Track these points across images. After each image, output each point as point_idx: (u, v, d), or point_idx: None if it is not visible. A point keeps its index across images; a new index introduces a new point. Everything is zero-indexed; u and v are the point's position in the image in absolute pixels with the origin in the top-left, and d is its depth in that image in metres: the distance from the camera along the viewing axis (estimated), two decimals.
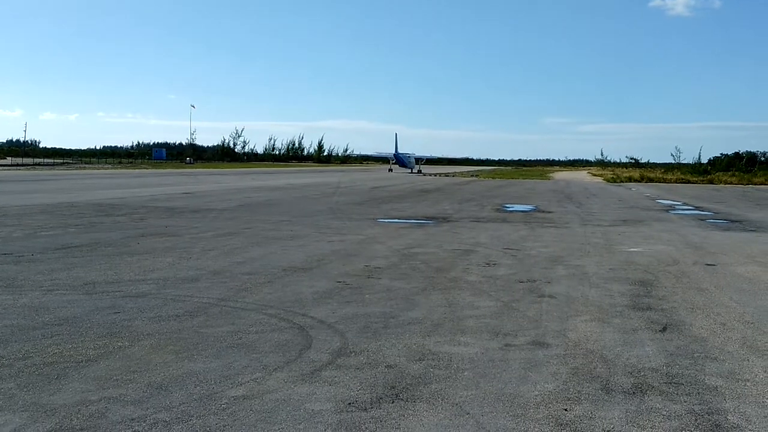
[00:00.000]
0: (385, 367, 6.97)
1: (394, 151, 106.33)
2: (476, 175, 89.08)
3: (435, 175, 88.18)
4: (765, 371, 7.11)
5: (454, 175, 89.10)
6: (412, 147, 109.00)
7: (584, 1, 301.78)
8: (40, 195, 32.14)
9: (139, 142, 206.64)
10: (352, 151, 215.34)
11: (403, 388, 6.36)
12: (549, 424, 5.63)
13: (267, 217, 22.93)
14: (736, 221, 25.84)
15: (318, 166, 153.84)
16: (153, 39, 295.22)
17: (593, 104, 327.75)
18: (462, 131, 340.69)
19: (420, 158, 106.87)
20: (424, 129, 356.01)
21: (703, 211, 31.63)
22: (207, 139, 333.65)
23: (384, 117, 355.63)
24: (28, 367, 6.71)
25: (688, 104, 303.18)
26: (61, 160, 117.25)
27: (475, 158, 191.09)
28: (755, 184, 69.88)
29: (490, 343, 7.95)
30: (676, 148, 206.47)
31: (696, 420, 5.77)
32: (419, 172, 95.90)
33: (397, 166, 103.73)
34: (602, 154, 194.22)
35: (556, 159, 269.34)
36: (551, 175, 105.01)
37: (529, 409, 5.93)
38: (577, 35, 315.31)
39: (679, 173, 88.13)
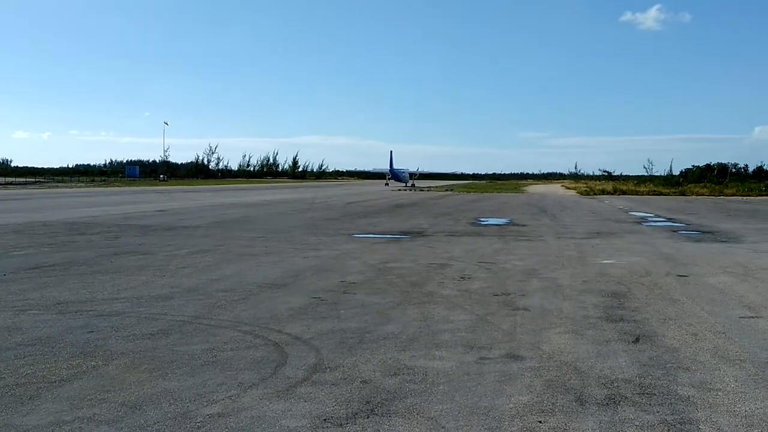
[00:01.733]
0: (361, 382, 6.98)
1: (389, 167, 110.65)
2: (451, 190, 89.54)
3: (415, 188, 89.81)
4: (736, 380, 7.20)
5: (429, 189, 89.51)
6: (386, 162, 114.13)
7: (555, 17, 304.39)
8: (13, 214, 31.84)
9: (112, 160, 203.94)
10: (327, 168, 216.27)
11: (379, 403, 6.37)
12: None
13: (241, 234, 22.88)
14: (708, 232, 26.12)
15: (293, 182, 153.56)
16: (126, 56, 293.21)
17: (566, 118, 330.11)
18: (436, 146, 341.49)
19: (413, 173, 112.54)
20: (399, 144, 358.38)
21: (675, 222, 31.94)
22: (181, 156, 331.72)
23: (360, 132, 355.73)
24: (0, 388, 6.65)
25: (659, 117, 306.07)
26: (34, 179, 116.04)
27: (458, 173, 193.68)
28: (726, 196, 70.65)
29: (465, 356, 7.99)
30: (648, 160, 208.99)
31: (669, 430, 5.83)
32: (413, 186, 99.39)
33: (393, 181, 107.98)
34: (576, 167, 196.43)
35: (530, 172, 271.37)
36: (525, 188, 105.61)
37: (504, 421, 5.96)
38: (548, 50, 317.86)
39: (651, 185, 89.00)
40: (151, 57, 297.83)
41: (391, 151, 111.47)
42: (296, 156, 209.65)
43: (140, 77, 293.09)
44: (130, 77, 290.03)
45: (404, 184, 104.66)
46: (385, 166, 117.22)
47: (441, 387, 6.85)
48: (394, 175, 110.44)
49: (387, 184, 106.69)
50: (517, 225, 28.99)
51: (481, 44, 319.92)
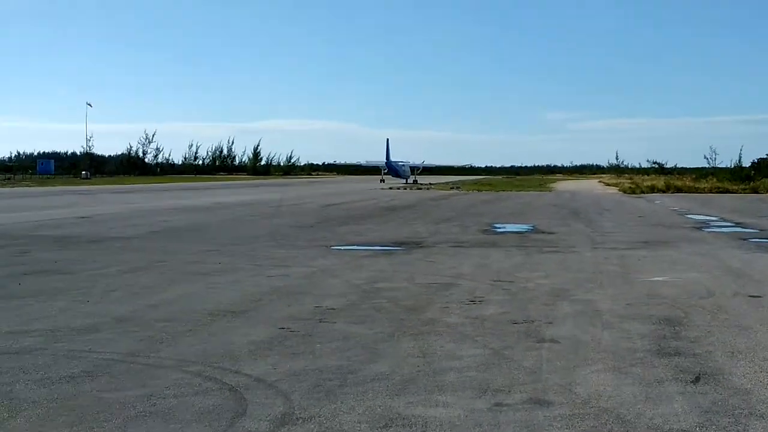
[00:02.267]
0: None
1: (385, 160, 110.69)
2: (458, 187, 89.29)
3: (417, 185, 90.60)
4: None
5: (429, 187, 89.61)
6: (375, 153, 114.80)
7: None
8: None
9: (18, 153, 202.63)
10: (298, 160, 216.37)
11: None
12: None
13: (188, 246, 22.86)
14: None
15: (254, 178, 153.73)
16: (36, 19, 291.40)
17: (605, 95, 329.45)
18: (439, 131, 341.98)
19: (415, 167, 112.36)
20: (391, 129, 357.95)
21: (745, 228, 32.06)
22: (109, 146, 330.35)
23: (339, 115, 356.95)
24: None
25: (724, 93, 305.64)
26: None
27: (467, 166, 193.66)
28: None
29: (475, 402, 7.99)
30: (710, 148, 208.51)
31: None
32: (415, 182, 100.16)
33: (390, 176, 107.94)
34: (617, 158, 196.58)
35: (560, 165, 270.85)
36: (553, 185, 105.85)
37: None
38: (580, 11, 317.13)
39: (714, 180, 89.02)
40: (70, 23, 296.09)
41: (387, 140, 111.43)
42: (258, 146, 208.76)
43: (55, 47, 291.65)
44: (41, 47, 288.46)
45: (404, 181, 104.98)
46: (376, 157, 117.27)
47: None
48: (391, 168, 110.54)
49: (383, 180, 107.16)
50: (543, 232, 29.06)
51: (497, 9, 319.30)
